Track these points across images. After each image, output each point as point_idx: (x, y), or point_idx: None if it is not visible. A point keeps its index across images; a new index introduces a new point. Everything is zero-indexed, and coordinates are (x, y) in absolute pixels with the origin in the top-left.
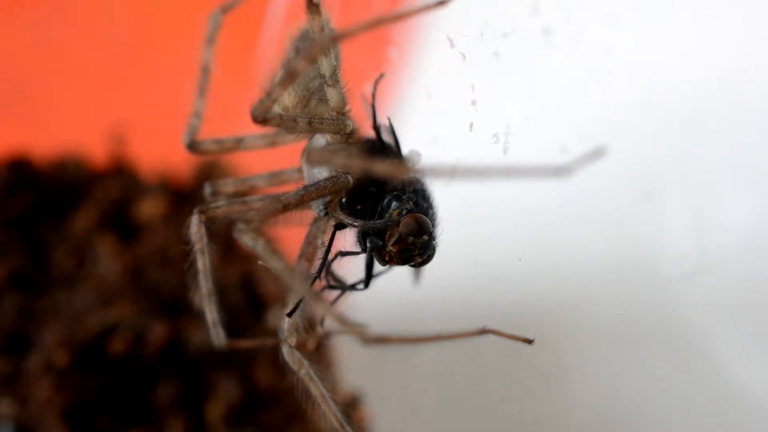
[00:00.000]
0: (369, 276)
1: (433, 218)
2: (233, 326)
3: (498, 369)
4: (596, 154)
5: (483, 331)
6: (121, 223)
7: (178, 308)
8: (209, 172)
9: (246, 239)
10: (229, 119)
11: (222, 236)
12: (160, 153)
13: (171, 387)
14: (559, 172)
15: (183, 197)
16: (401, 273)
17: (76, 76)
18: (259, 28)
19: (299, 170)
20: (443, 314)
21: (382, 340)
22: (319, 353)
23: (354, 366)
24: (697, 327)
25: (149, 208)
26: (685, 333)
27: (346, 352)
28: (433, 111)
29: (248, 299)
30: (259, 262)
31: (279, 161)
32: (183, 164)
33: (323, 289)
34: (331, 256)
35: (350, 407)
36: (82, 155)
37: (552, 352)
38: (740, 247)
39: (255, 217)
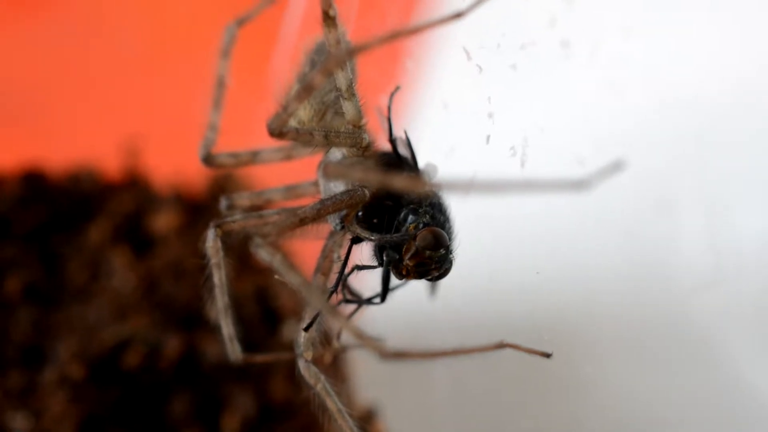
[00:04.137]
0: (386, 290)
1: (449, 232)
2: (248, 339)
3: (515, 382)
4: (615, 167)
5: (501, 345)
6: (135, 235)
7: (193, 321)
8: (223, 184)
9: (263, 254)
10: (244, 132)
11: (237, 249)
12: (174, 165)
13: (186, 400)
14: (578, 186)
15: (197, 210)
16: (418, 287)
17: (90, 88)
18: (274, 40)
19: (315, 184)
20: (460, 327)
21: (399, 355)
22: (335, 367)
23: (370, 380)
24: (715, 336)
25: (163, 221)
26: (702, 342)
27: (361, 365)
28: (450, 123)
29: (263, 312)
30: (276, 277)
31: (295, 174)
32: (197, 176)
33: (340, 303)
34: (347, 269)
35: (366, 421)
36: (96, 168)
37: (570, 364)
38: (757, 257)
39: (272, 231)
